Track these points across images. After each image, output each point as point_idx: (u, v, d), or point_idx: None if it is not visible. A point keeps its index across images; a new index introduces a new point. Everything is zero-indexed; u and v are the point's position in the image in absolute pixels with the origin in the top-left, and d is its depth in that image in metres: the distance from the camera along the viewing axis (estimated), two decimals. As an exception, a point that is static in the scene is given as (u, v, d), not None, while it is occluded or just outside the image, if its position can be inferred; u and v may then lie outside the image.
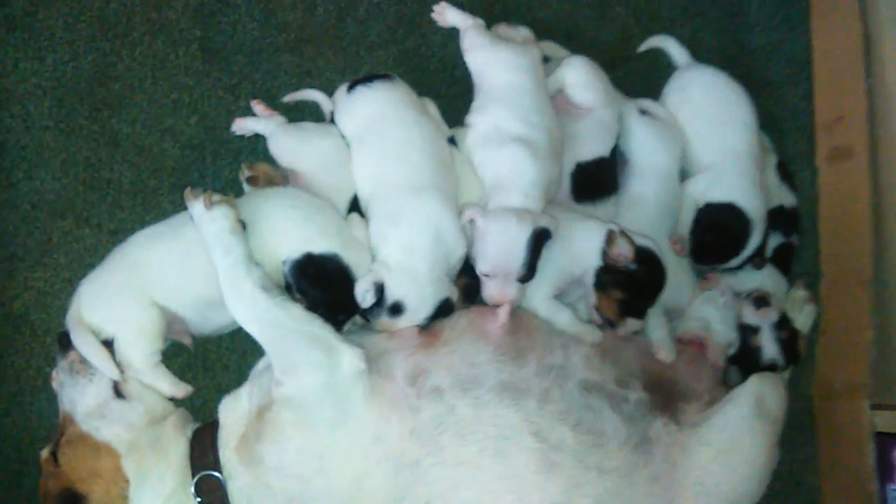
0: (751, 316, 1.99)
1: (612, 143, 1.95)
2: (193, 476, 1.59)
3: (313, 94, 2.02)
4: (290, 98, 2.03)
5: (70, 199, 1.92)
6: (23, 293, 1.91)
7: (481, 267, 1.74)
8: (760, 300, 1.99)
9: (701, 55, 2.20)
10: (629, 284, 1.76)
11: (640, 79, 2.19)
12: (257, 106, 1.97)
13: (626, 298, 1.77)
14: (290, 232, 1.68)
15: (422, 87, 2.00)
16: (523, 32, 2.09)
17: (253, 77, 2.02)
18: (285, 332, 1.59)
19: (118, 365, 1.65)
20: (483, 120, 1.87)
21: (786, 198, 2.15)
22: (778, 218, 2.09)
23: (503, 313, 1.72)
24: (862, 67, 2.15)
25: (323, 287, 1.67)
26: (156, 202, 1.94)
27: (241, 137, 1.97)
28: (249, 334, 1.62)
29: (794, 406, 1.91)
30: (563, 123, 1.93)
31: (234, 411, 1.65)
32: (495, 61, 1.93)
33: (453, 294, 1.78)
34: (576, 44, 2.16)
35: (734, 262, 1.96)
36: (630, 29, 2.23)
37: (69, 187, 1.92)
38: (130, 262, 1.69)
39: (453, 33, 2.12)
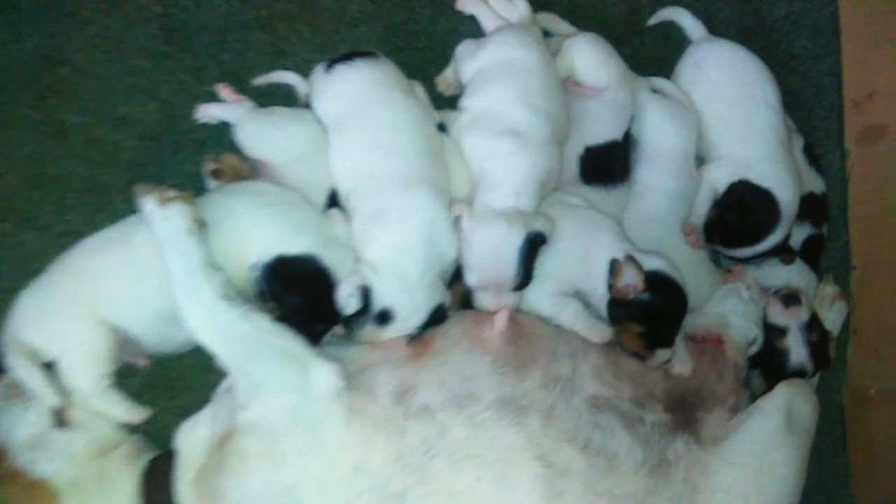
0: (779, 315, 1.87)
1: (626, 125, 1.84)
2: (145, 515, 1.47)
3: (287, 76, 1.88)
4: (260, 81, 1.88)
5: (11, 198, 1.76)
6: (-44, 305, 1.77)
7: (470, 279, 1.60)
8: (790, 298, 1.87)
9: (717, 28, 2.12)
10: (646, 316, 1.61)
11: (650, 55, 2.10)
12: (224, 90, 1.82)
13: (647, 331, 1.62)
14: (259, 232, 1.54)
15: (409, 67, 1.87)
16: (521, 8, 1.93)
17: (219, 58, 1.88)
18: (250, 347, 1.46)
19: (62, 389, 1.50)
20: (479, 103, 1.72)
21: (815, 184, 2.03)
22: (807, 206, 1.98)
23: (501, 320, 1.58)
24: (895, 38, 2.06)
25: (299, 292, 1.53)
26: (109, 201, 1.77)
27: (206, 126, 1.82)
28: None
29: (824, 414, 1.79)
30: (571, 104, 1.82)
31: (193, 439, 1.52)
32: (494, 39, 1.79)
33: (447, 299, 1.64)
34: (579, 17, 2.05)
35: (756, 249, 1.85)
36: (639, 0, 2.12)
37: (10, 185, 1.77)
38: (76, 273, 1.53)
39: (444, 6, 2.00)
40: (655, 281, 1.61)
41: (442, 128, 1.79)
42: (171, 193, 1.49)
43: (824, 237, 2.03)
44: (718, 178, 1.86)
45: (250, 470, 1.40)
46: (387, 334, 1.58)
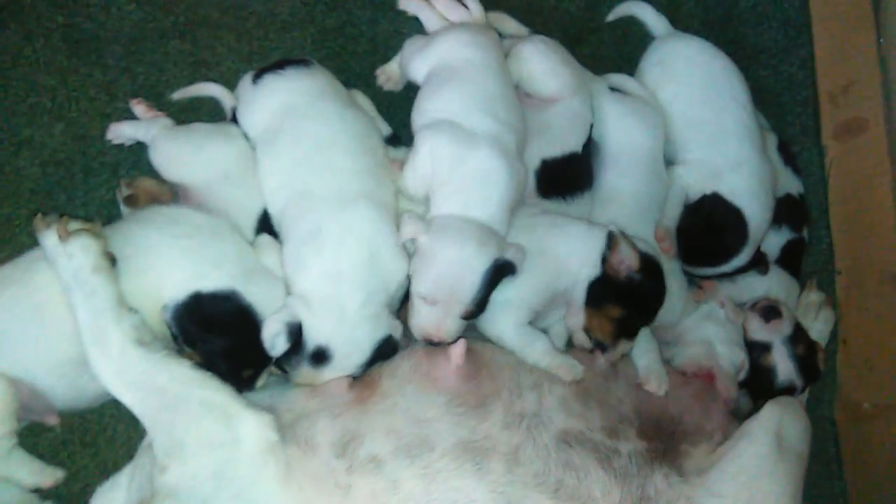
0: (759, 331, 1.77)
1: (584, 135, 1.73)
2: None
3: (210, 89, 1.77)
4: (180, 95, 1.77)
5: None
6: None
7: (419, 288, 1.45)
8: (769, 311, 1.77)
9: (680, 22, 2.04)
10: (630, 298, 1.53)
11: (610, 54, 2.05)
12: (138, 106, 1.72)
13: (625, 316, 1.53)
14: (172, 266, 1.41)
15: (348, 73, 1.81)
16: (474, 9, 1.82)
17: (133, 71, 1.77)
18: (167, 399, 1.32)
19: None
20: (439, 107, 1.56)
21: (791, 184, 1.93)
22: (785, 209, 1.88)
23: (458, 353, 1.42)
24: (871, 26, 2.02)
25: (219, 334, 1.40)
26: (10, 235, 1.67)
27: (120, 148, 1.72)
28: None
29: (817, 432, 1.70)
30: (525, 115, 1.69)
31: (110, 506, 1.39)
32: (450, 36, 1.66)
33: (396, 331, 1.49)
34: (534, 15, 1.97)
35: (716, 270, 1.76)
36: (597, -6, 2.05)
37: None
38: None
39: (384, 7, 1.89)
40: (648, 263, 1.53)
41: (393, 140, 1.69)
42: (74, 226, 1.38)
43: (805, 241, 1.94)
44: (689, 182, 1.76)
45: (169, 543, 1.26)
46: (326, 375, 1.43)
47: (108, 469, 1.53)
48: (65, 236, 1.36)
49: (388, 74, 1.81)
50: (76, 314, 1.34)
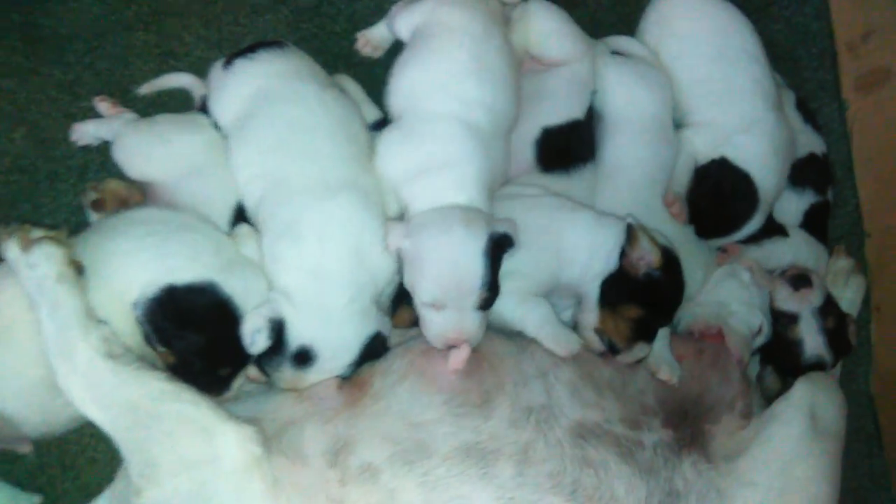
0: (788, 300, 1.67)
1: (587, 101, 1.65)
2: None
3: (179, 79, 1.68)
4: (148, 89, 1.68)
5: None
6: None
7: (423, 297, 1.33)
8: (799, 279, 1.67)
9: None
10: (650, 297, 1.42)
11: (608, 16, 1.92)
12: (102, 104, 1.63)
13: (643, 316, 1.41)
14: (140, 268, 1.30)
15: (327, 55, 1.71)
16: None
17: (96, 68, 1.68)
18: (140, 416, 1.23)
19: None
20: (398, 88, 1.49)
21: (813, 144, 1.82)
22: (806, 170, 1.79)
23: (459, 359, 1.32)
24: (887, -35, 1.88)
25: (194, 330, 1.29)
26: None
27: (87, 149, 1.63)
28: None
29: (853, 409, 1.60)
30: (524, 82, 1.62)
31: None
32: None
33: (385, 327, 1.39)
34: None
35: (730, 238, 1.68)
36: (591, -45, 1.94)
37: None
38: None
39: None
40: (669, 258, 1.43)
41: (379, 125, 1.58)
42: (37, 234, 1.30)
43: (830, 204, 1.83)
44: (698, 146, 1.65)
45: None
46: (311, 378, 1.33)
47: (91, 493, 1.44)
48: (27, 245, 1.26)
49: (368, 38, 1.73)
50: (42, 327, 1.25)
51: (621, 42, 1.76)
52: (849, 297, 1.83)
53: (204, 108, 1.56)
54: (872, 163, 1.91)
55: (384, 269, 1.37)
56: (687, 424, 1.43)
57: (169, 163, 1.48)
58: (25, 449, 1.40)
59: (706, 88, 1.69)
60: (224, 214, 1.46)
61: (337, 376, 1.34)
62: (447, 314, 1.32)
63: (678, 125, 1.70)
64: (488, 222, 1.33)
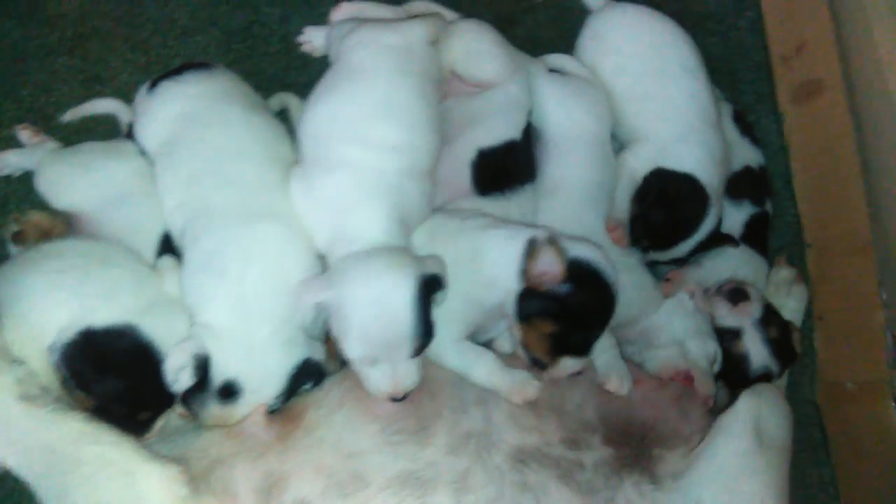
0: (727, 316, 1.65)
1: (523, 121, 1.60)
2: None
3: (104, 105, 1.65)
4: (71, 115, 1.65)
5: None
6: None
7: (351, 353, 1.26)
8: (735, 293, 1.65)
9: None
10: (561, 313, 1.34)
11: (547, 34, 1.90)
12: (23, 132, 1.60)
13: (559, 332, 1.34)
14: (56, 305, 1.26)
15: (261, 76, 1.69)
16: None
17: (17, 95, 1.65)
18: (56, 460, 1.18)
19: None
20: (306, 129, 1.42)
21: (750, 156, 1.82)
22: (744, 182, 1.77)
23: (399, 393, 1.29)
24: (820, -19, 1.88)
25: (114, 375, 1.26)
26: None
27: (7, 180, 1.59)
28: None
29: (799, 418, 1.61)
30: (456, 106, 1.58)
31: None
32: (354, 32, 1.49)
33: (318, 353, 1.34)
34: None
35: (692, 242, 1.63)
36: (528, -28, 1.91)
37: None
38: None
39: (295, 1, 1.78)
40: (579, 271, 1.34)
41: None
42: None
43: (769, 215, 1.82)
44: (636, 165, 1.63)
45: None
46: (239, 412, 1.28)
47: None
48: (-66, 284, 1.20)
49: (311, 37, 1.71)
50: (-47, 372, 1.18)
51: (558, 60, 1.73)
52: (791, 307, 1.81)
53: (131, 135, 1.51)
54: (810, 173, 1.90)
55: None
56: (630, 444, 1.39)
57: (94, 192, 1.44)
58: None
59: (644, 104, 1.67)
60: (151, 244, 1.42)
61: (267, 409, 1.29)
62: (382, 368, 1.25)
63: (619, 146, 1.68)
64: (415, 264, 1.27)
